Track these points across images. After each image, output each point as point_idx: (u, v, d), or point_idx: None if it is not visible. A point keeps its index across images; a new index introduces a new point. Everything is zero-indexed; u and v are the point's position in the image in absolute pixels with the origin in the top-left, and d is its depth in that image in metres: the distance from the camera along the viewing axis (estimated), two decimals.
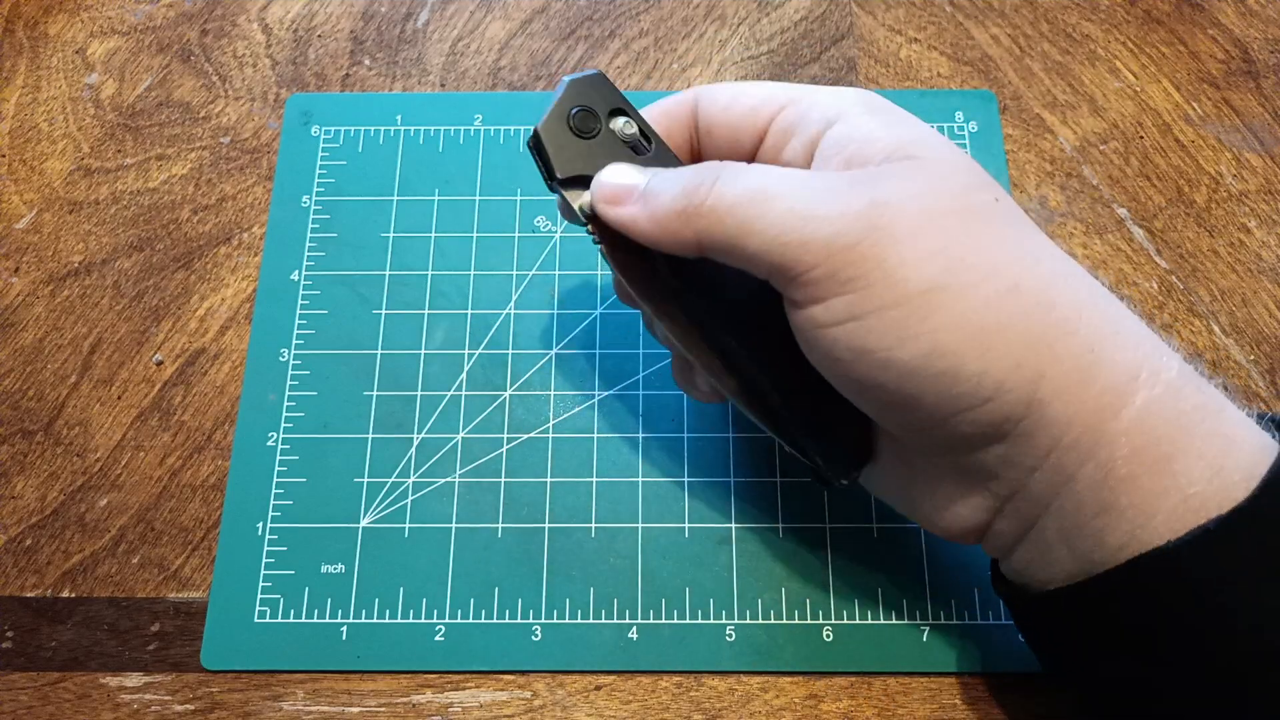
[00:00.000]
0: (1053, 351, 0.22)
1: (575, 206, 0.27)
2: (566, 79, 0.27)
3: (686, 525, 0.33)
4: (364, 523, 0.34)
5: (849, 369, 0.23)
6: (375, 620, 0.32)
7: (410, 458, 0.34)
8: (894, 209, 0.22)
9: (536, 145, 0.27)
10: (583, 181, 0.27)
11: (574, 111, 0.27)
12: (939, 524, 0.27)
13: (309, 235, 0.38)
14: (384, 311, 0.37)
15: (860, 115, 0.25)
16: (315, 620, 0.32)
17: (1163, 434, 0.22)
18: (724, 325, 0.27)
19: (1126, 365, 0.22)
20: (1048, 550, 0.24)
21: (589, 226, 0.27)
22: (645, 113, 0.28)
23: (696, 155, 0.29)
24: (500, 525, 0.34)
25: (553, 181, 0.27)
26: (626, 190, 0.26)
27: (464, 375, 0.36)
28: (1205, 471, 0.22)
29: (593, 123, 0.27)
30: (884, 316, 0.22)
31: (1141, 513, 0.22)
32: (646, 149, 0.27)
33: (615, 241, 0.27)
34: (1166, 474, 0.22)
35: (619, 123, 0.27)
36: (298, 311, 0.37)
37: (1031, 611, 0.26)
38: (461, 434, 0.35)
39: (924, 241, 0.22)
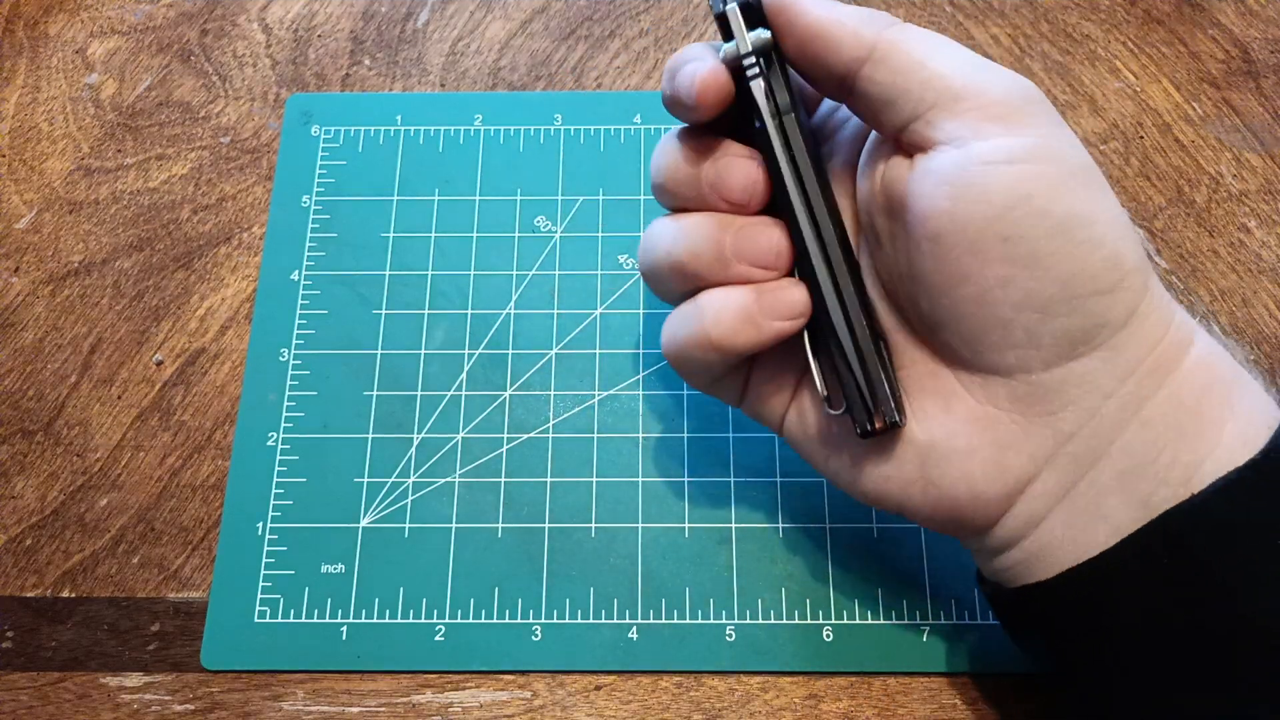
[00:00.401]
0: (1153, 276, 0.24)
1: (748, 36, 0.26)
2: None
3: (686, 525, 0.33)
4: (364, 523, 0.34)
5: (998, 217, 0.23)
6: (375, 620, 0.32)
7: (410, 458, 0.34)
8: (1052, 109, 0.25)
9: None
10: (755, 19, 0.26)
11: None
12: (974, 484, 0.25)
13: (309, 235, 0.38)
14: (384, 311, 0.37)
15: None
16: (315, 620, 0.32)
17: (1215, 378, 0.24)
18: (835, 224, 0.26)
19: (1186, 317, 0.25)
20: (1096, 503, 0.24)
21: (752, 58, 0.26)
22: None
23: None
24: (500, 525, 0.34)
25: (734, 3, 0.26)
26: None
27: (464, 375, 0.36)
28: (1259, 409, 0.24)
29: None
30: (1051, 166, 0.23)
31: (1204, 446, 0.23)
32: None
33: (779, 78, 0.26)
34: (1224, 415, 0.23)
35: None
36: (298, 311, 0.37)
37: (1047, 593, 0.25)
38: (461, 434, 0.35)
39: (1078, 147, 0.25)
